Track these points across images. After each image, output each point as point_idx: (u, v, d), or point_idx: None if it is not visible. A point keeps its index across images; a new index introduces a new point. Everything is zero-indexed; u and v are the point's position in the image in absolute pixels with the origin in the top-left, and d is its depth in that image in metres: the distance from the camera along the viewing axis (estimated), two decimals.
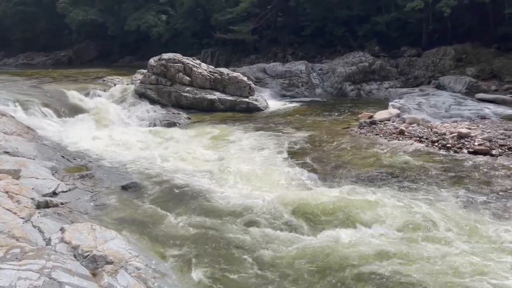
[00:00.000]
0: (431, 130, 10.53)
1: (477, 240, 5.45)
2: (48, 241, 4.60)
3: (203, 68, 16.51)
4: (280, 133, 11.72)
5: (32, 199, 5.82)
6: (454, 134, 9.82)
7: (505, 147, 8.94)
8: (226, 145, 10.58)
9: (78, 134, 11.33)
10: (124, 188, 7.44)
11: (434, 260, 4.98)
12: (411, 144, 9.85)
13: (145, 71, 16.77)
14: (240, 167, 8.53)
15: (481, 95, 14.40)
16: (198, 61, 17.17)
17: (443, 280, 4.59)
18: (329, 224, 5.99)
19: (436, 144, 9.64)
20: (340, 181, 7.80)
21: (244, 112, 15.27)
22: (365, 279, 4.67)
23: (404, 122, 11.58)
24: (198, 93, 15.67)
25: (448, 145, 9.45)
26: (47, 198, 6.11)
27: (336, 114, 14.53)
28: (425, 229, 5.72)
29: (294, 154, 9.62)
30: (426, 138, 10.02)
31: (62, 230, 4.75)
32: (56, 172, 7.62)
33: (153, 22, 29.26)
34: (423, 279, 4.60)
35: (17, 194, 5.75)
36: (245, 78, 16.74)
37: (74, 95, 14.20)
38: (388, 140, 10.30)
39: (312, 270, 4.90)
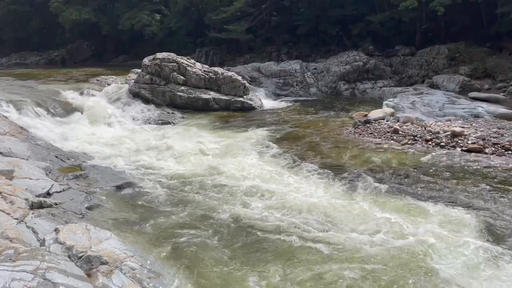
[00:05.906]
0: (425, 129, 10.58)
1: None
2: (42, 242, 4.58)
3: (197, 67, 16.48)
4: (275, 133, 11.71)
5: (26, 199, 5.78)
6: (447, 133, 9.88)
7: (498, 145, 9.01)
8: (222, 143, 10.58)
9: (71, 134, 11.26)
10: (119, 188, 7.42)
11: None
12: (405, 142, 9.89)
13: (139, 70, 16.70)
14: (235, 164, 8.54)
15: (474, 94, 14.51)
16: (192, 61, 17.14)
17: None
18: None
19: (430, 142, 9.70)
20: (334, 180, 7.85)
21: (239, 112, 15.26)
22: None
23: (398, 121, 11.63)
24: (193, 92, 15.64)
25: (442, 143, 9.51)
26: (41, 199, 6.07)
27: (331, 113, 14.55)
28: None
29: (289, 152, 9.62)
30: (420, 137, 10.07)
31: (56, 230, 4.72)
32: (50, 173, 7.57)
33: (147, 21, 29.14)
34: None
35: (10, 195, 5.71)
36: (239, 78, 16.73)
37: (67, 95, 14.10)
38: (382, 139, 10.33)
39: None
